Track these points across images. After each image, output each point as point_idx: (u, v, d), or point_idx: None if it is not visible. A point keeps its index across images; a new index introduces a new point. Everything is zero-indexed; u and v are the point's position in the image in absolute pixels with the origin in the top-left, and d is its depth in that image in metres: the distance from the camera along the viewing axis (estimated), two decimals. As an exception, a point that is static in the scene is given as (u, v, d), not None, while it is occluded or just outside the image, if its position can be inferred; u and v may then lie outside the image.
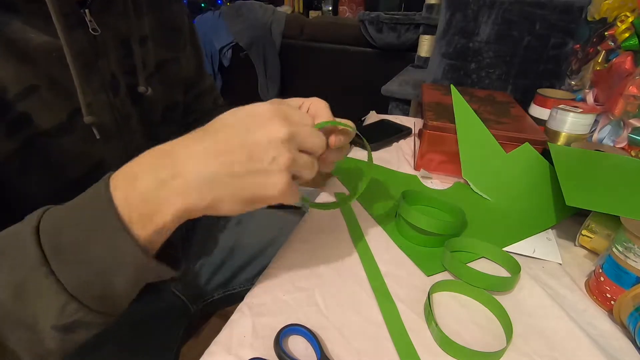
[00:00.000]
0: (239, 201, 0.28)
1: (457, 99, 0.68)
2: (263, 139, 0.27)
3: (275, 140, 0.27)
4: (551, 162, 0.55)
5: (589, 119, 0.58)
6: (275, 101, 0.31)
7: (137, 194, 0.26)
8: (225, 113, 0.30)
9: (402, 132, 0.79)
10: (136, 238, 0.26)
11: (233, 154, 0.26)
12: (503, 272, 0.45)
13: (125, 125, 0.46)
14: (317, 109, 0.36)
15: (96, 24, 0.40)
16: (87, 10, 0.39)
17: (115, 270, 0.26)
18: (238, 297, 0.40)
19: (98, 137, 0.41)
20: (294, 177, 0.30)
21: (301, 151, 0.30)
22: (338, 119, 0.37)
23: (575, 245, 0.50)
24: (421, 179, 0.64)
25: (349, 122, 0.39)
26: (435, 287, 0.41)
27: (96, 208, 0.26)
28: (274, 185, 0.28)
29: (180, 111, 0.57)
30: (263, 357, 0.33)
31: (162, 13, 0.50)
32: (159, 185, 0.26)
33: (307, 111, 0.36)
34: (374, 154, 0.72)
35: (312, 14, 3.16)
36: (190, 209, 0.27)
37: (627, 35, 0.62)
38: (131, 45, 0.44)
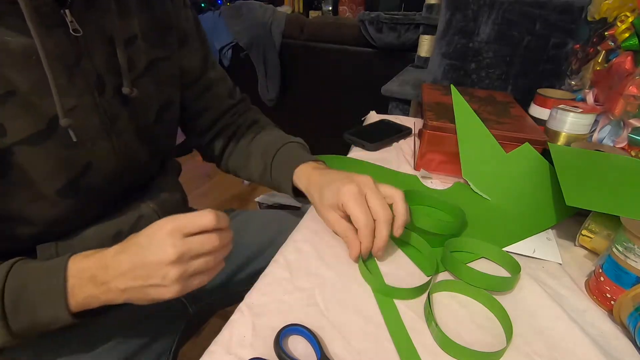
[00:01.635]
0: (146, 300, 0.37)
1: (457, 99, 0.68)
2: (154, 261, 0.35)
3: (164, 262, 0.34)
4: (551, 162, 0.55)
5: (589, 119, 0.58)
6: (172, 219, 0.36)
7: (81, 292, 0.37)
8: (138, 234, 0.37)
9: (402, 132, 0.79)
10: (71, 310, 0.37)
11: (136, 274, 0.35)
12: (503, 272, 0.45)
13: (112, 127, 0.45)
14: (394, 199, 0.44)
15: (79, 23, 0.39)
16: (67, 11, 0.38)
17: (52, 325, 0.37)
18: (237, 298, 0.40)
19: (74, 139, 0.41)
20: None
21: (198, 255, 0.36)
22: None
23: (575, 245, 0.50)
24: (421, 179, 0.64)
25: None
26: (435, 287, 0.41)
27: (53, 283, 0.36)
28: (168, 293, 0.36)
29: (177, 110, 0.56)
30: (263, 357, 0.33)
31: (155, 12, 0.49)
32: (95, 288, 0.37)
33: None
34: (374, 154, 0.72)
35: (312, 14, 3.16)
36: (113, 302, 0.38)
37: (627, 35, 0.62)
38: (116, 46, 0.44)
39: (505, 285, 0.42)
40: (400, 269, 0.45)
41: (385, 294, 0.41)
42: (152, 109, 0.51)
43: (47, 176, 0.41)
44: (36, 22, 0.35)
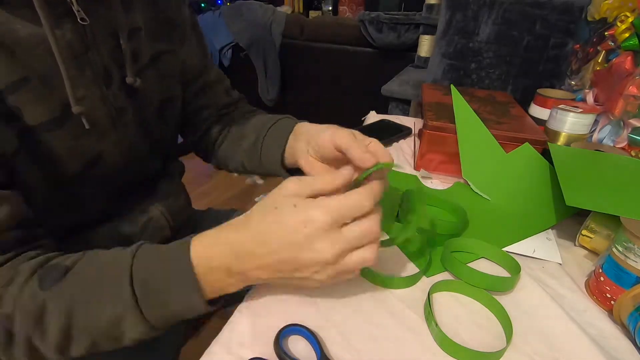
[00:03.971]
0: (286, 286, 0.37)
1: (457, 99, 0.68)
2: (307, 259, 0.31)
3: (320, 262, 0.31)
4: (551, 162, 0.55)
5: (589, 119, 0.58)
6: (325, 209, 0.30)
7: (213, 280, 0.34)
8: (278, 214, 0.32)
9: (402, 132, 0.79)
10: (205, 297, 0.34)
11: (282, 268, 0.33)
12: (503, 272, 0.45)
13: (119, 119, 0.46)
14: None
15: (85, 13, 0.39)
16: (73, 0, 0.38)
17: (187, 314, 0.35)
18: (238, 298, 0.40)
19: (87, 127, 0.41)
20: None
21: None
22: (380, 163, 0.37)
23: (575, 245, 0.50)
24: (421, 179, 0.64)
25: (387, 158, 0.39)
26: (435, 287, 0.41)
27: (179, 269, 0.34)
28: (313, 285, 0.34)
29: (178, 107, 0.56)
30: (263, 357, 0.33)
31: (157, 5, 0.50)
32: (229, 277, 0.35)
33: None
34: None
35: (312, 14, 3.16)
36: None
37: (627, 35, 0.62)
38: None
39: (505, 285, 0.42)
40: (400, 269, 0.45)
41: (377, 283, 0.42)
42: (154, 103, 0.51)
43: (61, 163, 0.41)
44: (46, 11, 0.35)
